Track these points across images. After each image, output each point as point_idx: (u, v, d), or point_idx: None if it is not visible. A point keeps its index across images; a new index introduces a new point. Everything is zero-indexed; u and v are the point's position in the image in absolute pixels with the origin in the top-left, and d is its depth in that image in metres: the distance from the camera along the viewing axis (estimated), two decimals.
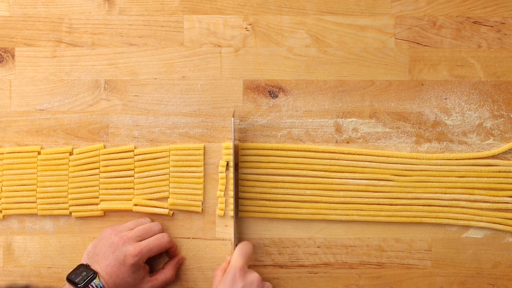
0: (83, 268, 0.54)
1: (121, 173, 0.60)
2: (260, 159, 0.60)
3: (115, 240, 0.55)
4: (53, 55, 0.61)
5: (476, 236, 0.60)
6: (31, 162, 0.60)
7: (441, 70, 0.61)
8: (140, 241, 0.56)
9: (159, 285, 0.57)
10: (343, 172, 0.60)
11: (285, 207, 0.60)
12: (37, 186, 0.60)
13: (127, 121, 0.61)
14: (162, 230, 0.58)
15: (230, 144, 0.60)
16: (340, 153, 0.60)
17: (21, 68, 0.61)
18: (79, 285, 0.52)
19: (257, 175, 0.60)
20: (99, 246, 0.55)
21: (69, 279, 0.53)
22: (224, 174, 0.60)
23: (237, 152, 0.60)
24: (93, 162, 0.60)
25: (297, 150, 0.60)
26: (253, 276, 0.53)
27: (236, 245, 0.57)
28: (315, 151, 0.60)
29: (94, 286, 0.52)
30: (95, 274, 0.53)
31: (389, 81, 0.61)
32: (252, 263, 0.60)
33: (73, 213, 0.60)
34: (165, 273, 0.58)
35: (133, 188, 0.60)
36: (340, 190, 0.60)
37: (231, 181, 0.60)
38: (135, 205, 0.60)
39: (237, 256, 0.55)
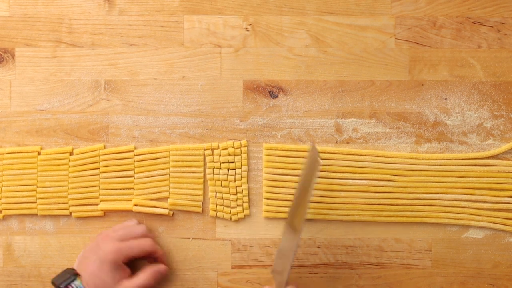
0: (67, 271, 0.55)
1: (121, 173, 0.60)
2: (260, 159, 0.60)
3: (98, 241, 0.56)
4: (53, 55, 0.61)
5: (476, 236, 0.60)
6: (31, 162, 0.60)
7: (441, 70, 0.61)
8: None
9: None
10: (343, 172, 0.60)
11: (286, 207, 0.60)
12: (37, 186, 0.60)
13: (127, 121, 0.61)
14: (145, 232, 0.58)
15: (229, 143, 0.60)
16: (340, 153, 0.60)
17: (21, 68, 0.61)
18: (60, 287, 0.53)
19: (275, 175, 0.60)
20: (87, 250, 0.56)
21: (52, 282, 0.54)
22: (212, 176, 0.60)
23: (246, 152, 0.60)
24: (93, 162, 0.60)
25: (297, 151, 0.60)
26: None
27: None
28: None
29: (74, 287, 0.53)
30: (76, 275, 0.54)
31: (389, 81, 0.61)
32: (252, 263, 0.60)
33: (73, 213, 0.60)
34: (140, 278, 0.55)
35: (133, 188, 0.60)
36: (341, 191, 0.60)
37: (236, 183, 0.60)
38: (135, 205, 0.60)
39: None
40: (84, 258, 0.55)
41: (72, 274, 0.54)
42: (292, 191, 0.60)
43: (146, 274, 0.56)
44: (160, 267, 0.57)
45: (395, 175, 0.60)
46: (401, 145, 0.61)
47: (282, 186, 0.60)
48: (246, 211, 0.60)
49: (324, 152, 0.60)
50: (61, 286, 0.53)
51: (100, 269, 0.53)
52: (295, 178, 0.60)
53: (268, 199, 0.60)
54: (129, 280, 0.55)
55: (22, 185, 0.60)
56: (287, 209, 0.60)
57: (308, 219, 0.60)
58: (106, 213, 0.61)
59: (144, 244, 0.56)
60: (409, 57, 0.61)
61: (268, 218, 0.60)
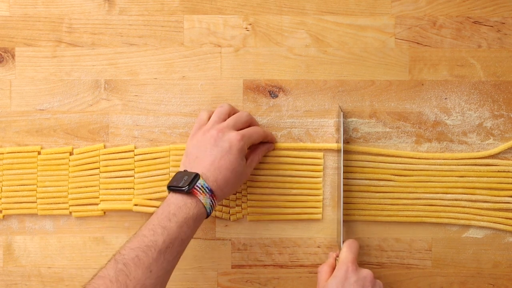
0: (183, 173, 0.51)
1: (121, 173, 0.60)
2: (261, 159, 0.60)
3: (214, 134, 0.53)
4: (53, 55, 0.61)
5: (476, 236, 0.60)
6: (31, 162, 0.60)
7: (441, 70, 0.61)
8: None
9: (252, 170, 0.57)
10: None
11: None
12: (37, 186, 0.60)
13: (127, 121, 0.61)
14: (250, 116, 0.57)
15: None
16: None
17: (21, 68, 0.61)
18: (183, 189, 0.49)
19: (258, 176, 0.60)
20: (195, 149, 0.53)
21: (171, 187, 0.50)
22: None
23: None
24: (93, 162, 0.60)
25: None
26: (366, 272, 0.53)
27: (343, 242, 0.56)
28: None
29: (200, 187, 0.49)
30: (197, 175, 0.50)
31: (389, 81, 0.61)
32: (252, 263, 0.60)
33: (73, 213, 0.60)
34: (254, 160, 0.57)
35: (133, 188, 0.60)
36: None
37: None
38: (135, 205, 0.60)
39: (347, 252, 0.54)
40: (195, 158, 0.52)
41: (192, 174, 0.50)
42: (270, 190, 0.60)
43: (259, 154, 0.58)
44: (270, 146, 0.59)
45: (395, 175, 0.60)
46: (401, 145, 0.61)
47: (258, 186, 0.60)
48: (246, 211, 0.60)
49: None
50: (184, 188, 0.49)
51: (227, 161, 0.51)
52: (270, 178, 0.60)
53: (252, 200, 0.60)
54: (248, 164, 0.55)
55: (22, 185, 0.60)
56: (264, 210, 0.60)
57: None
58: (106, 213, 0.61)
59: (259, 130, 0.56)
60: (409, 57, 0.61)
61: (243, 218, 0.60)
